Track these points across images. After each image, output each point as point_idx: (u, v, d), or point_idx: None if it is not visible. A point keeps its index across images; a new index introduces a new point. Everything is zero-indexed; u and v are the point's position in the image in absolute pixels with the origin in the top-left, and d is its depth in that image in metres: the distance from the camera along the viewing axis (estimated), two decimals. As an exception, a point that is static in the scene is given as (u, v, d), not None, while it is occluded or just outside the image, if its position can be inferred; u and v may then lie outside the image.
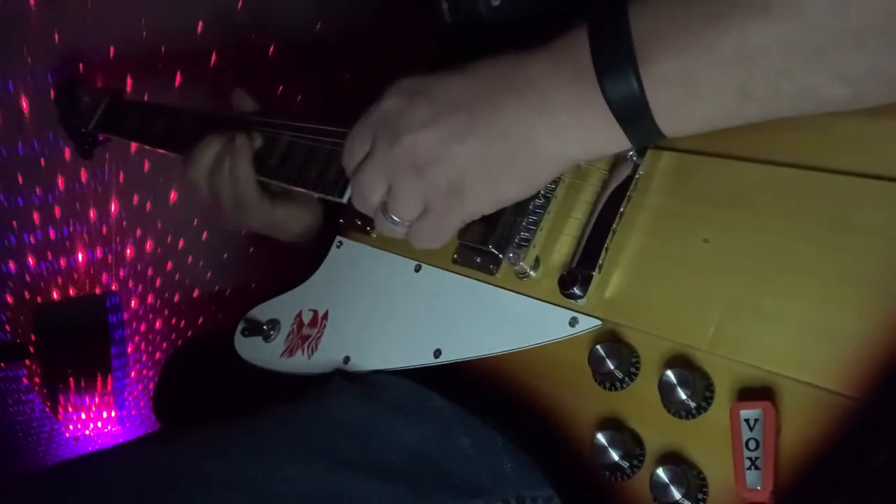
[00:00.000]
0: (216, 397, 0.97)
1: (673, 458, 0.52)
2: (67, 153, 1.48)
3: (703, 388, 0.52)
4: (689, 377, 0.52)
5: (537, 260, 0.64)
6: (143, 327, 1.99)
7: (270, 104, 0.96)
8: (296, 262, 0.90)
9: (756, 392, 0.50)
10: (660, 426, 0.54)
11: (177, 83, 1.47)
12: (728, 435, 0.49)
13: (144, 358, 2.08)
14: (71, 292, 1.79)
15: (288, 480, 0.61)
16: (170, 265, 1.86)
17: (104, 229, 1.68)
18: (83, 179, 1.56)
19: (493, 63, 0.56)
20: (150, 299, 1.93)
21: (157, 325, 2.01)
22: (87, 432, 2.22)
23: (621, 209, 0.59)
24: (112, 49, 1.39)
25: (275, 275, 1.66)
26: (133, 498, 0.59)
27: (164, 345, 2.06)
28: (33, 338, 1.80)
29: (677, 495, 0.50)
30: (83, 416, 2.12)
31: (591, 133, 0.53)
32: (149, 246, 1.77)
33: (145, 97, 1.39)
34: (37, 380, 1.99)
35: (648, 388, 0.54)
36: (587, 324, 0.59)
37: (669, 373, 0.52)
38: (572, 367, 0.59)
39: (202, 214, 1.73)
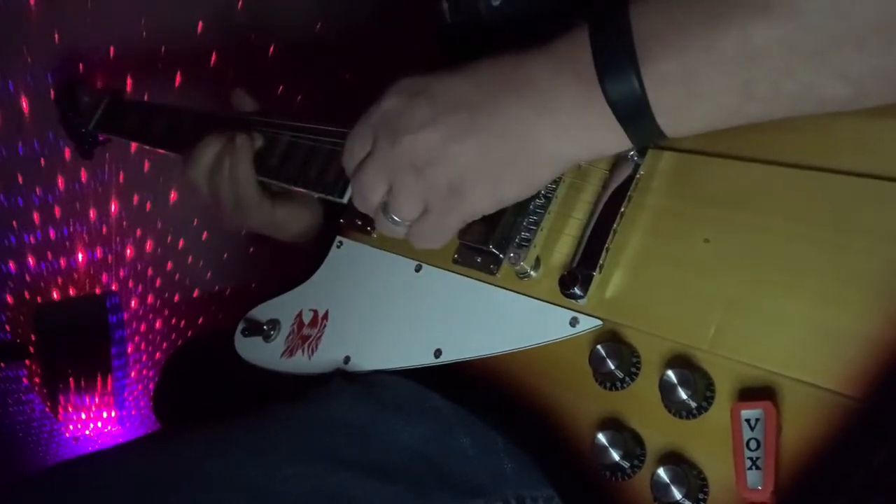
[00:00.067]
0: (216, 397, 0.97)
1: (674, 458, 0.52)
2: (67, 153, 1.48)
3: (703, 388, 0.52)
4: (690, 377, 0.52)
5: (538, 260, 0.64)
6: (143, 327, 1.99)
7: (270, 104, 0.96)
8: (296, 262, 0.90)
9: (757, 392, 0.50)
10: (660, 426, 0.54)
11: (177, 83, 1.47)
12: (729, 435, 0.49)
13: (144, 358, 2.08)
14: (71, 292, 1.79)
15: (288, 480, 0.61)
16: (170, 265, 1.86)
17: (104, 229, 1.68)
18: (83, 179, 1.56)
19: (493, 63, 0.56)
20: (150, 299, 1.93)
21: (157, 325, 2.01)
22: (87, 432, 2.22)
23: (622, 209, 0.59)
24: (112, 49, 1.39)
25: (275, 275, 1.66)
26: (133, 498, 0.59)
27: (164, 345, 2.06)
28: (33, 338, 1.80)
29: (678, 495, 0.50)
30: (83, 416, 2.12)
31: (592, 133, 0.53)
32: (149, 246, 1.77)
33: (145, 97, 1.39)
34: (37, 380, 1.99)
35: (649, 388, 0.54)
36: (588, 324, 0.59)
37: (670, 373, 0.52)
38: (573, 367, 0.59)
39: (202, 214, 1.73)
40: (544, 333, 0.61)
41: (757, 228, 0.54)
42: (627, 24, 0.49)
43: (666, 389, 0.52)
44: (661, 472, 0.51)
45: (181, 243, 1.81)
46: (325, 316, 0.77)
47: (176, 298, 1.94)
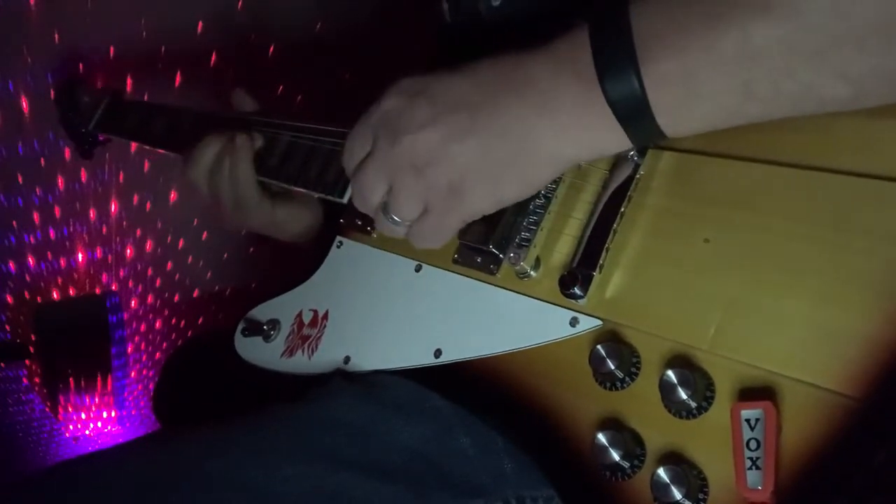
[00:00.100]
0: (216, 397, 0.97)
1: (674, 458, 0.52)
2: (67, 153, 1.48)
3: (703, 388, 0.52)
4: (690, 377, 0.52)
5: (538, 260, 0.64)
6: (143, 327, 1.99)
7: (270, 104, 0.96)
8: (296, 262, 0.90)
9: (757, 392, 0.50)
10: (660, 426, 0.54)
11: (177, 83, 1.47)
12: (729, 435, 0.49)
13: (144, 358, 2.08)
14: (71, 292, 1.79)
15: (288, 480, 0.61)
16: (170, 265, 1.86)
17: (104, 229, 1.68)
18: (83, 179, 1.56)
19: (493, 63, 0.56)
20: (150, 299, 1.93)
21: (157, 325, 2.01)
22: (87, 432, 2.22)
23: (622, 209, 0.59)
24: (112, 49, 1.39)
25: (275, 275, 1.66)
26: (133, 498, 0.59)
27: (164, 345, 2.06)
28: (33, 338, 1.80)
29: (678, 495, 0.50)
30: (83, 416, 2.12)
31: (592, 133, 0.53)
32: (149, 246, 1.77)
33: (145, 97, 1.39)
34: (37, 380, 1.99)
35: (649, 388, 0.54)
36: (588, 324, 0.59)
37: (670, 373, 0.52)
38: (573, 367, 0.59)
39: (202, 214, 1.73)
40: (544, 333, 0.61)
41: (757, 228, 0.54)
42: (627, 24, 0.49)
43: (666, 389, 0.52)
44: (661, 472, 0.51)
45: (181, 243, 1.81)
46: (325, 316, 0.77)
47: (176, 298, 1.94)
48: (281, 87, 1.57)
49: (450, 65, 0.58)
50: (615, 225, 0.59)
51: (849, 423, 0.47)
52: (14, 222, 1.57)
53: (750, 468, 0.48)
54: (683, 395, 0.52)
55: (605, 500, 0.54)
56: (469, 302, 0.66)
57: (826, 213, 0.51)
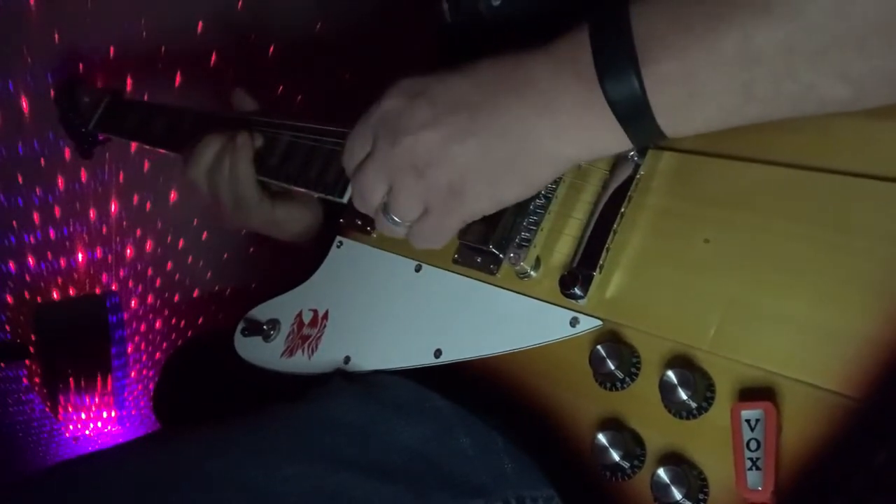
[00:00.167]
0: (216, 397, 0.97)
1: (674, 459, 0.52)
2: (67, 153, 1.48)
3: (703, 388, 0.52)
4: (690, 377, 0.52)
5: (538, 260, 0.64)
6: (143, 327, 1.99)
7: (270, 104, 0.96)
8: (296, 262, 0.90)
9: (757, 392, 0.50)
10: (661, 426, 0.54)
11: (177, 83, 1.47)
12: (729, 435, 0.49)
13: (144, 358, 2.08)
14: (71, 292, 1.79)
15: (288, 480, 0.61)
16: (170, 265, 1.86)
17: (104, 229, 1.68)
18: (83, 179, 1.56)
19: (493, 63, 0.56)
20: (150, 299, 1.93)
21: (157, 325, 2.01)
22: (87, 432, 2.22)
23: (622, 209, 0.59)
24: (112, 49, 1.39)
25: (275, 275, 1.66)
26: (133, 498, 0.59)
27: (164, 345, 2.06)
28: (33, 338, 1.80)
29: (678, 496, 0.50)
30: (83, 416, 2.12)
31: (592, 133, 0.53)
32: (149, 246, 1.77)
33: (145, 97, 1.39)
34: (37, 380, 1.99)
35: (649, 388, 0.54)
36: (588, 324, 0.59)
37: (670, 373, 0.52)
38: (573, 368, 0.59)
39: (202, 214, 1.73)
40: (544, 333, 0.61)
41: (757, 228, 0.54)
42: (628, 25, 0.49)
43: (666, 390, 0.52)
44: (661, 472, 0.51)
45: (181, 243, 1.81)
46: (325, 316, 0.76)
47: (176, 298, 1.94)
48: (281, 87, 1.57)
49: (450, 65, 0.58)
50: (615, 225, 0.59)
51: (849, 423, 0.47)
52: (14, 222, 1.57)
53: (750, 468, 0.48)
54: (683, 396, 0.52)
55: (605, 500, 0.54)
56: (469, 302, 0.66)
57: (826, 214, 0.51)
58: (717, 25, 0.46)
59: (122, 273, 1.81)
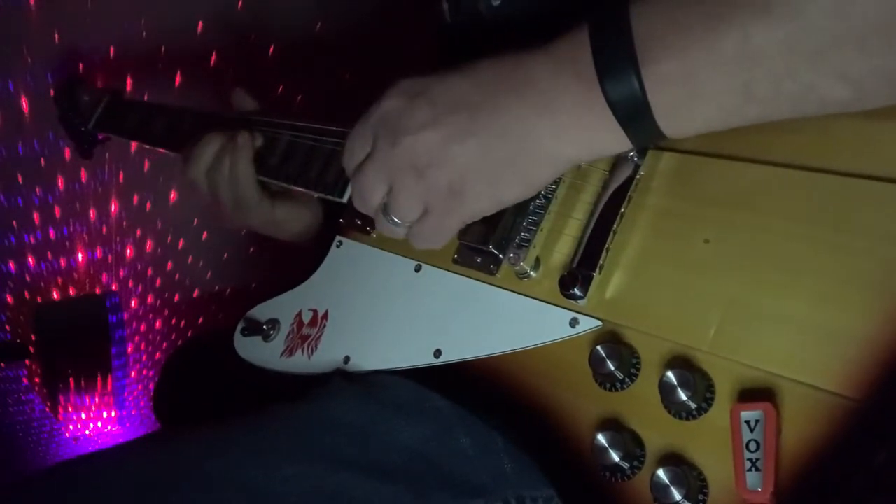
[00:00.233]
0: (216, 397, 0.97)
1: (673, 459, 0.52)
2: (67, 153, 1.48)
3: (703, 389, 0.52)
4: (690, 378, 0.52)
5: (538, 260, 0.64)
6: (143, 327, 1.99)
7: (270, 104, 0.96)
8: (296, 262, 0.90)
9: (757, 393, 0.50)
10: (660, 427, 0.54)
11: (177, 83, 1.47)
12: (729, 436, 0.49)
13: (144, 358, 2.08)
14: (71, 292, 1.79)
15: (288, 480, 0.61)
16: (170, 265, 1.86)
17: (104, 229, 1.68)
18: (83, 179, 1.56)
19: (493, 63, 0.56)
20: (150, 299, 1.93)
21: (157, 325, 2.01)
22: (87, 432, 2.22)
23: (622, 210, 0.59)
24: (112, 49, 1.39)
25: (275, 275, 1.66)
26: (133, 498, 0.59)
27: (164, 345, 2.06)
28: (33, 338, 1.80)
29: (678, 496, 0.50)
30: (83, 416, 2.11)
31: (592, 133, 0.53)
32: (149, 246, 1.77)
33: (145, 97, 1.39)
34: (37, 380, 1.99)
35: (649, 388, 0.54)
36: (588, 324, 0.59)
37: (670, 374, 0.52)
38: (573, 368, 0.59)
39: (202, 214, 1.73)
40: (544, 334, 0.61)
41: (757, 229, 0.54)
42: (627, 25, 0.49)
43: (666, 390, 0.52)
44: (660, 472, 0.51)
45: (181, 243, 1.81)
46: (325, 316, 0.76)
47: (176, 298, 1.94)
48: (281, 87, 1.57)
49: (450, 65, 0.58)
50: (615, 225, 0.59)
51: (848, 424, 0.46)
52: (14, 222, 1.57)
53: (750, 469, 0.48)
54: (683, 396, 0.52)
55: (605, 500, 0.54)
56: (469, 302, 0.66)
57: (826, 214, 0.51)
58: (716, 25, 0.46)
59: (122, 273, 1.81)
